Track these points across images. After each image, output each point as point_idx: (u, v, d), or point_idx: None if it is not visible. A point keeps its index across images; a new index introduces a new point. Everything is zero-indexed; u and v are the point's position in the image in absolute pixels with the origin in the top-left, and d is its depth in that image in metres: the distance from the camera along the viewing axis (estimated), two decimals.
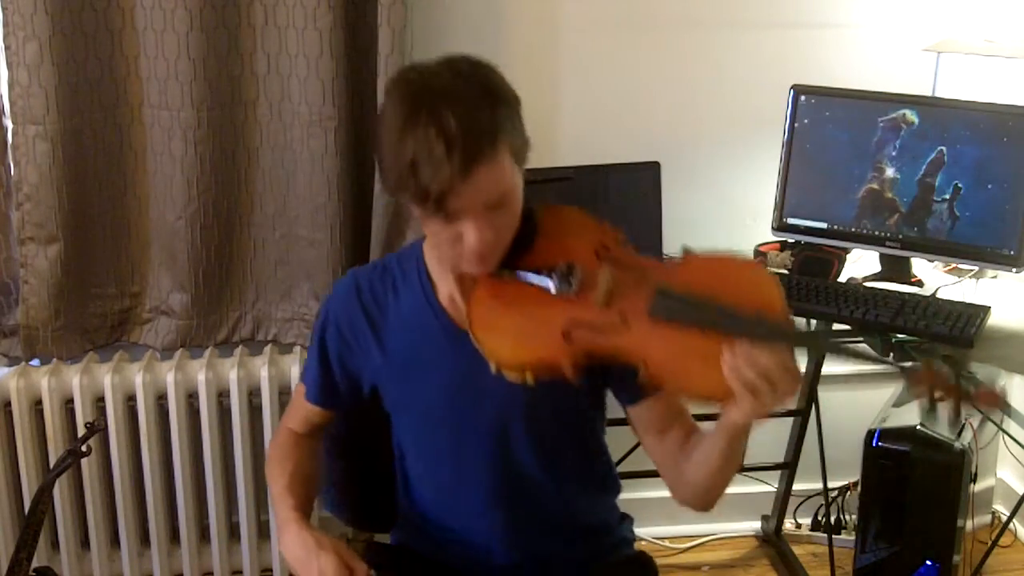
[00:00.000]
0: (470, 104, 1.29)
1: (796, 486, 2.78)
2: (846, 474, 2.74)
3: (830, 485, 2.63)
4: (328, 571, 1.43)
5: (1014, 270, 2.17)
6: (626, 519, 1.78)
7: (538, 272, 1.40)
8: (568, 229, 1.46)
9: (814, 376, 2.60)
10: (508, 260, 1.41)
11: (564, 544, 1.65)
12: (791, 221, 2.35)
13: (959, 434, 2.26)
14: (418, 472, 1.65)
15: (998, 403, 1.26)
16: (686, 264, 1.40)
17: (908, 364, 1.28)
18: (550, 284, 1.38)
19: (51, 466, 2.09)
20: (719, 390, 1.26)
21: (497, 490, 1.58)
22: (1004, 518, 2.74)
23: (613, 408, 1.66)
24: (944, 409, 1.24)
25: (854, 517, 2.68)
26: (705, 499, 1.50)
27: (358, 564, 1.45)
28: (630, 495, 2.81)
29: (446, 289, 1.51)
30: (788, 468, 2.75)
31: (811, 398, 2.59)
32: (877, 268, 2.37)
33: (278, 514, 1.55)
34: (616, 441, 2.38)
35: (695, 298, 1.32)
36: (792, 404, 2.68)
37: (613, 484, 1.74)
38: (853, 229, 2.29)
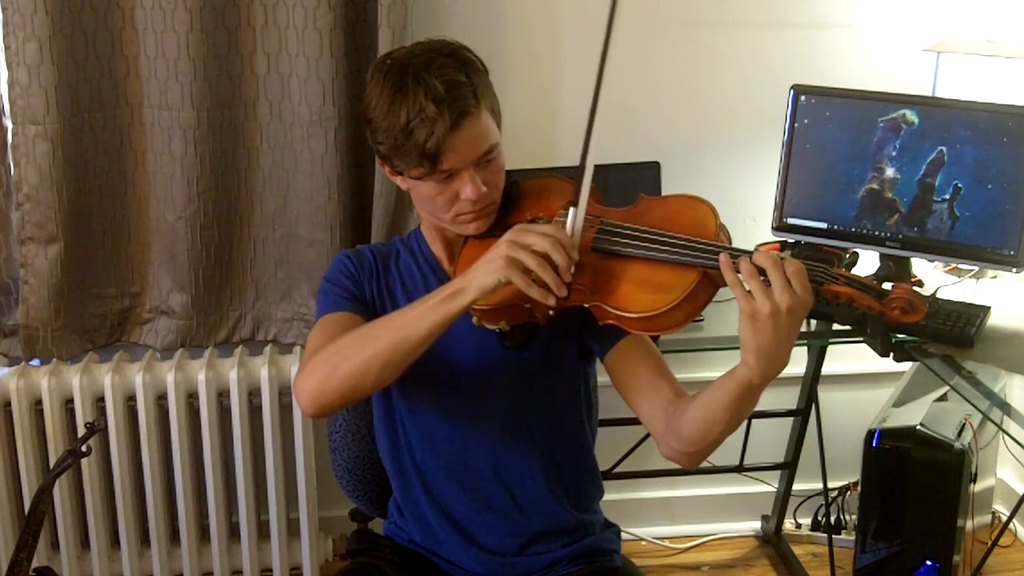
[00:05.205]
0: (450, 71, 1.46)
1: (796, 486, 2.78)
2: (846, 474, 2.74)
3: (830, 485, 2.63)
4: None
5: (1014, 270, 2.17)
6: (611, 527, 1.76)
7: None
8: (545, 191, 1.62)
9: (814, 376, 2.60)
10: (495, 224, 1.57)
11: (539, 536, 1.65)
12: (791, 221, 2.34)
13: (959, 434, 2.26)
14: (420, 453, 1.67)
15: (914, 302, 1.29)
16: (636, 205, 1.55)
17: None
18: None
19: (51, 466, 2.09)
20: (650, 307, 1.38)
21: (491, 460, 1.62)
22: (1004, 518, 2.74)
23: (612, 409, 1.66)
24: (869, 318, 1.28)
25: (854, 517, 2.68)
26: (695, 454, 1.47)
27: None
28: (630, 495, 2.84)
29: (439, 252, 1.67)
30: (788, 468, 2.75)
31: (811, 398, 2.60)
32: (877, 268, 2.37)
33: (438, 296, 1.41)
34: (616, 441, 2.39)
35: (629, 229, 1.46)
36: (793, 404, 2.69)
37: (595, 481, 1.74)
38: (853, 229, 2.29)
